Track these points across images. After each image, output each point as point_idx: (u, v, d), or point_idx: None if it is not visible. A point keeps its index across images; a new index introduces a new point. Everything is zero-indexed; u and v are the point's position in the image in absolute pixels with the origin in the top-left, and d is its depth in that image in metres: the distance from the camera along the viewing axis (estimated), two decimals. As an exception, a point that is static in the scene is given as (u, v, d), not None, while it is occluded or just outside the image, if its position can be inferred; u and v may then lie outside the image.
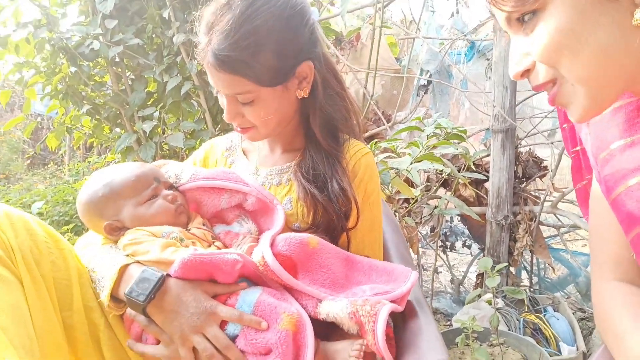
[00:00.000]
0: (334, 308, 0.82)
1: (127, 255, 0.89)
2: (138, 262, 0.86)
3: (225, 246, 0.95)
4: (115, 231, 0.95)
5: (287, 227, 1.00)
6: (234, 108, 0.96)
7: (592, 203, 0.81)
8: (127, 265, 0.85)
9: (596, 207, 0.79)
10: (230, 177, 0.99)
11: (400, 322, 0.92)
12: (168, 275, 0.83)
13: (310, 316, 0.83)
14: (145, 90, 2.38)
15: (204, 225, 0.99)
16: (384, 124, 2.63)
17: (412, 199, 2.21)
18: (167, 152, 2.55)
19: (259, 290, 0.85)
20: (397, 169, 1.55)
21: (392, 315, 0.90)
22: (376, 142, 1.69)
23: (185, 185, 1.01)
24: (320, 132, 1.02)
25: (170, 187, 1.01)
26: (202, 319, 0.80)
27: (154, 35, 2.32)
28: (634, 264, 0.71)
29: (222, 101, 0.99)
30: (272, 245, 0.89)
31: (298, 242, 0.89)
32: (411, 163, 1.53)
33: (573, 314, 2.21)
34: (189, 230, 0.97)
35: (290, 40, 0.93)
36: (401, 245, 1.11)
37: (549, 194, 2.32)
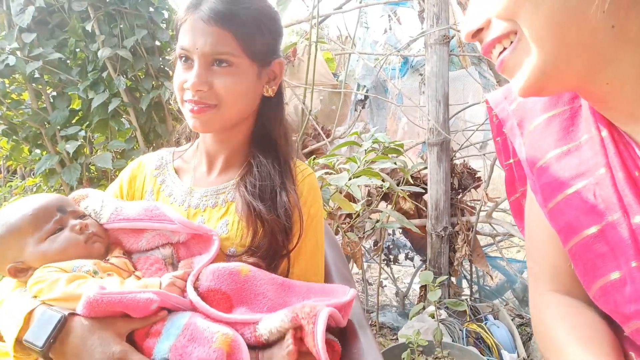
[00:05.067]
0: (273, 321, 0.78)
1: (35, 296, 0.79)
2: (45, 303, 0.77)
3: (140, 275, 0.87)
4: (21, 273, 0.84)
5: (222, 253, 0.93)
6: (205, 73, 0.89)
7: (528, 214, 0.81)
8: (33, 310, 0.75)
9: (532, 218, 0.79)
10: (154, 215, 0.91)
11: (343, 344, 0.88)
12: (72, 314, 0.74)
13: (251, 343, 0.78)
14: (69, 107, 2.22)
15: (124, 254, 0.90)
16: (324, 139, 2.62)
17: (354, 214, 2.20)
18: (95, 173, 2.39)
19: (189, 313, 0.79)
20: (336, 185, 1.52)
21: (335, 335, 0.87)
22: (314, 158, 1.66)
23: (105, 225, 0.92)
24: (279, 136, 1.01)
25: (82, 216, 0.91)
26: None
27: (77, 50, 2.18)
28: (571, 274, 0.70)
29: (184, 77, 0.91)
30: (199, 279, 0.84)
31: (227, 273, 0.84)
32: (350, 179, 1.50)
33: (512, 320, 2.27)
34: (108, 260, 0.88)
35: (277, 31, 0.97)
36: (340, 264, 1.07)
37: (483, 204, 2.40)
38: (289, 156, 1.00)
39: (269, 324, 0.78)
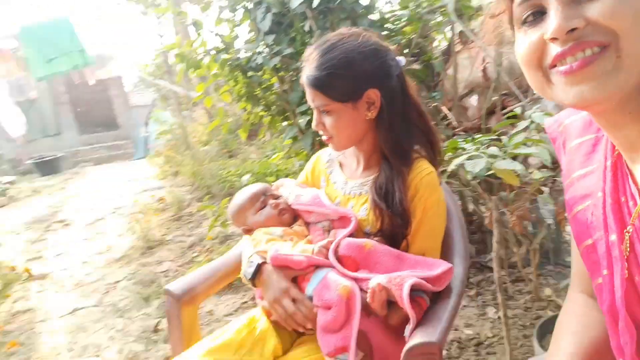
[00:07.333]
0: (375, 280, 1.11)
1: (254, 247, 1.31)
2: (258, 252, 1.28)
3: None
4: (249, 232, 1.39)
5: (361, 230, 1.29)
6: (318, 118, 1.26)
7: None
8: (251, 256, 1.29)
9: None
10: (316, 202, 1.34)
11: (433, 303, 1.15)
12: (264, 262, 1.24)
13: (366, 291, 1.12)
14: (302, 90, 2.79)
15: (303, 224, 1.38)
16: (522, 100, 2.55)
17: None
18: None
19: (328, 269, 1.19)
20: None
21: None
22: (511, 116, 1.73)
23: (291, 205, 1.40)
24: (389, 150, 1.25)
25: (277, 197, 1.41)
26: (279, 293, 1.19)
27: (305, 43, 2.70)
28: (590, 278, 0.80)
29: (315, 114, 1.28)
30: (339, 246, 1.22)
31: (356, 246, 1.20)
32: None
33: None
34: (292, 227, 1.35)
35: (359, 70, 1.19)
36: (461, 240, 1.30)
37: None
38: (400, 164, 1.24)
39: (373, 281, 1.12)
